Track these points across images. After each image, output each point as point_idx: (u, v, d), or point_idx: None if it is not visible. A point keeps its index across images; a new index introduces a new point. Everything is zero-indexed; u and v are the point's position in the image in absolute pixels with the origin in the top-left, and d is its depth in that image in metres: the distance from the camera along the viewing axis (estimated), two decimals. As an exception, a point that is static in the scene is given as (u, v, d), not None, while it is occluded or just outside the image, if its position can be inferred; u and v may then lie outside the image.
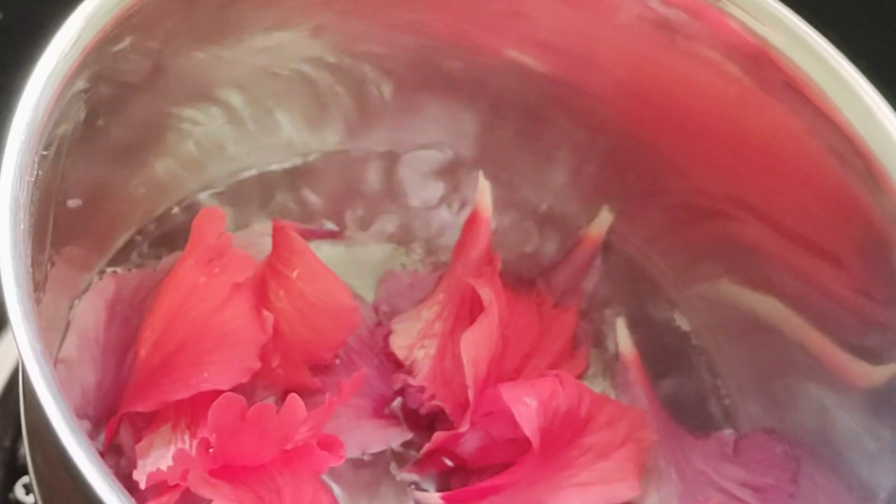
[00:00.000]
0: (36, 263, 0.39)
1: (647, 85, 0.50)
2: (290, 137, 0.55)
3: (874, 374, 0.46)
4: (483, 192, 0.53)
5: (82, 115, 0.44)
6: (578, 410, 0.48)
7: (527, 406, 0.46)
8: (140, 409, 0.45)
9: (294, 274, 0.48)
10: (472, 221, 0.52)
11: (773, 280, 0.50)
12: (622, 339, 0.53)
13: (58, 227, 0.44)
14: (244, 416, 0.41)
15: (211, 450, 0.41)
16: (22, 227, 0.38)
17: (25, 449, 0.45)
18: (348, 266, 0.53)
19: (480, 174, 0.53)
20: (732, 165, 0.50)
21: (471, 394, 0.47)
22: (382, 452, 0.50)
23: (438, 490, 0.49)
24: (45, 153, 0.40)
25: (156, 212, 0.53)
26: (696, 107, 0.50)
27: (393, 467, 0.50)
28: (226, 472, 0.42)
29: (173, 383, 0.45)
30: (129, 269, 0.51)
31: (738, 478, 0.49)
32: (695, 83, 0.49)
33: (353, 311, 0.48)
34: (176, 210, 0.54)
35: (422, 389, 0.49)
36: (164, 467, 0.43)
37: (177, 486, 0.42)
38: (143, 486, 0.42)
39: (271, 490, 0.44)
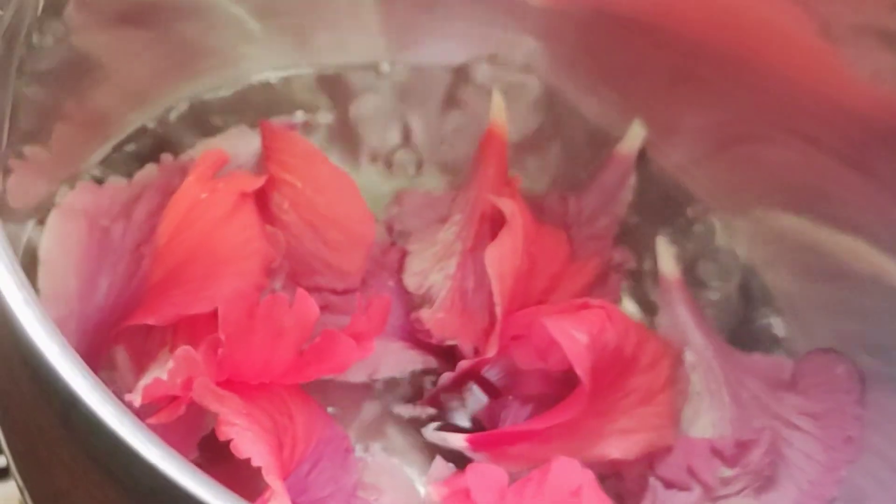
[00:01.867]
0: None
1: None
2: (281, 49, 0.52)
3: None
4: (497, 106, 0.50)
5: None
6: (625, 349, 0.44)
7: (577, 341, 0.42)
8: (150, 321, 0.41)
9: (299, 184, 0.45)
10: (488, 139, 0.50)
11: (823, 202, 0.48)
12: (664, 258, 0.50)
13: (17, 120, 0.40)
14: (255, 313, 0.38)
15: (220, 350, 0.37)
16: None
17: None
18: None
19: (494, 90, 0.51)
20: (770, 88, 0.48)
21: (498, 311, 0.44)
22: (394, 383, 0.46)
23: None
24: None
25: (130, 126, 0.49)
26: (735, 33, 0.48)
27: (402, 407, 0.46)
28: (234, 388, 0.38)
29: (186, 296, 0.41)
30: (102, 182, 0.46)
31: (796, 405, 0.46)
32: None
33: (368, 221, 0.45)
34: (152, 125, 0.50)
35: (429, 334, 0.45)
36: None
37: (177, 399, 0.38)
38: (137, 403, 0.38)
39: (283, 414, 0.40)
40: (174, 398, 0.38)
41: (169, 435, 0.38)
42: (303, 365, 0.39)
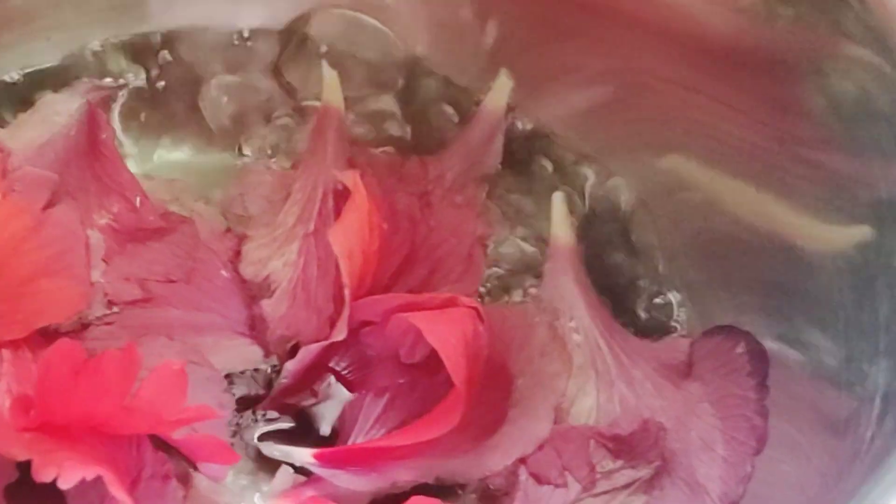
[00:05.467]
0: None
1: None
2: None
3: (838, 238, 0.42)
4: (330, 83, 0.48)
5: None
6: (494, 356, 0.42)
7: (453, 346, 0.39)
8: None
9: None
10: (323, 114, 0.48)
11: (705, 146, 0.46)
12: (559, 220, 0.47)
13: None
14: (80, 370, 0.36)
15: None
16: None
17: None
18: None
19: (324, 63, 0.49)
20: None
21: (347, 293, 0.41)
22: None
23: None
24: None
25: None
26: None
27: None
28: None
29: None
30: None
31: (693, 391, 0.43)
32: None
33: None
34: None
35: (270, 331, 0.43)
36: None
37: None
38: None
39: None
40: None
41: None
42: (126, 415, 0.37)
